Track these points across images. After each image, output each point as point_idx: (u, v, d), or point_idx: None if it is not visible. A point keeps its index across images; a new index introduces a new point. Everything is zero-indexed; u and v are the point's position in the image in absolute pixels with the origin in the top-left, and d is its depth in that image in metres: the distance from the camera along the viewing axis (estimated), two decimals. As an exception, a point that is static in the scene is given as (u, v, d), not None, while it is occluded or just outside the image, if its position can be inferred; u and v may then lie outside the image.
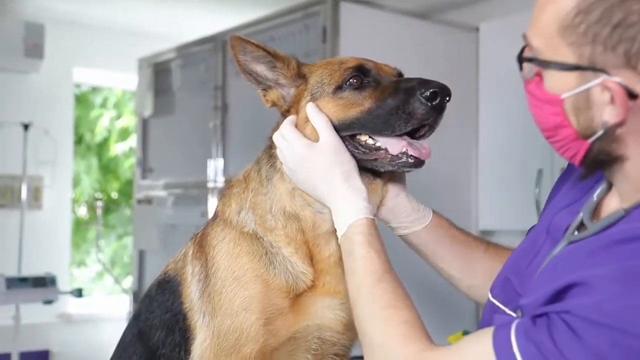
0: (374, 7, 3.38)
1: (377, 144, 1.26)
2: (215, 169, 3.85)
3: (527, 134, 3.40)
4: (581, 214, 1.11)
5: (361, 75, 1.28)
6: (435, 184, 3.40)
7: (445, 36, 3.63)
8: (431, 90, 1.19)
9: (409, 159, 1.24)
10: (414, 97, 1.20)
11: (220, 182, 3.80)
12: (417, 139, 1.28)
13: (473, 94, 3.68)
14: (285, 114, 1.36)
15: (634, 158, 0.99)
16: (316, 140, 1.26)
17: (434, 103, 1.20)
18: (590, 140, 0.99)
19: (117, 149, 6.98)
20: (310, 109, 1.28)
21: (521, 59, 1.06)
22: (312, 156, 1.24)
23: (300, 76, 1.34)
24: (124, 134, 6.98)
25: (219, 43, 3.81)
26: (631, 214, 0.99)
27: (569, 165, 1.26)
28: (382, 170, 1.27)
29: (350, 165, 1.24)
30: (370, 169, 1.29)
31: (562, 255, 1.03)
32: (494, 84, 3.61)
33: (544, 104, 1.02)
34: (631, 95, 0.94)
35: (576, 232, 1.10)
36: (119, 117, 7.00)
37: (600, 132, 0.97)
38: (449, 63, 3.61)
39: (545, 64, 1.00)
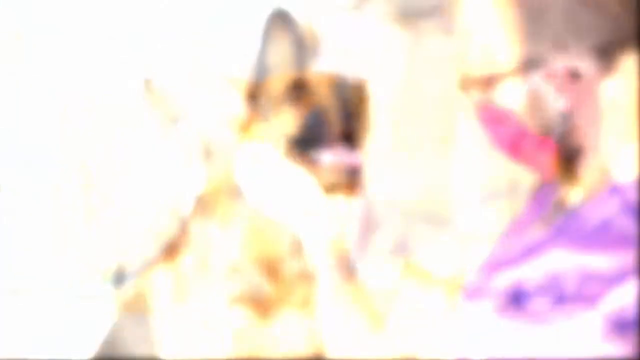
0: (355, 13, 3.38)
1: (316, 157, 1.23)
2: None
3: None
4: None
5: (295, 91, 1.27)
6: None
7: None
8: None
9: (344, 167, 1.22)
10: None
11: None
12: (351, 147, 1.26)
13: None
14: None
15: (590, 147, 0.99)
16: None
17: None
18: (553, 139, 0.99)
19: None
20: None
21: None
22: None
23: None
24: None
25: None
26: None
27: None
28: (329, 184, 1.22)
29: (308, 189, 1.21)
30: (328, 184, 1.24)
31: None
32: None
33: (501, 123, 1.03)
34: (574, 75, 0.95)
35: None
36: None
37: (559, 126, 0.98)
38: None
39: (489, 80, 1.03)
